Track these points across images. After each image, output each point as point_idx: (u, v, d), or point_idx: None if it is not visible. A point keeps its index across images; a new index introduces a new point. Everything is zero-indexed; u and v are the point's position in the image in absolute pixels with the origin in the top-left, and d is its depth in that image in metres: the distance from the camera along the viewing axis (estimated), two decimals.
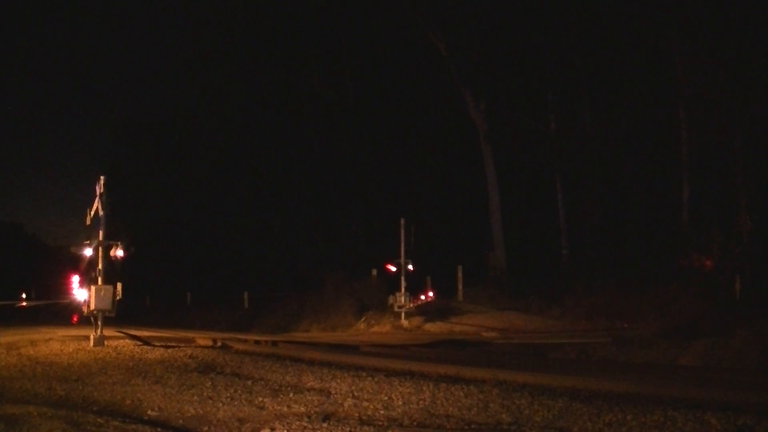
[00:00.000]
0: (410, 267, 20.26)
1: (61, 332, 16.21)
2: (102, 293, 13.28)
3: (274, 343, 15.20)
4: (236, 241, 38.68)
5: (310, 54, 33.36)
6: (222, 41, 38.34)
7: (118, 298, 13.43)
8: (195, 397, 7.63)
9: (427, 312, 20.66)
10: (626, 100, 24.52)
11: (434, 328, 18.94)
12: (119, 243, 13.80)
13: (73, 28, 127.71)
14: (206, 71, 40.24)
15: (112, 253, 13.70)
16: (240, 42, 36.47)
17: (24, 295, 59.08)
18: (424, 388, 7.82)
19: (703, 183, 21.99)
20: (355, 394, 7.66)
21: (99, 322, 13.28)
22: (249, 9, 36.52)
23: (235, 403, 7.34)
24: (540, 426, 6.03)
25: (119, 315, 13.96)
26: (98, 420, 6.31)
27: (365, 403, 7.12)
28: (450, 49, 26.82)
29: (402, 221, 20.34)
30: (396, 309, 19.73)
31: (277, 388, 8.22)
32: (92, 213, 13.69)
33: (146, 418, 6.72)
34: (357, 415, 6.65)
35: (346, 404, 7.13)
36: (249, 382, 8.61)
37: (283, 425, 6.18)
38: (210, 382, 8.62)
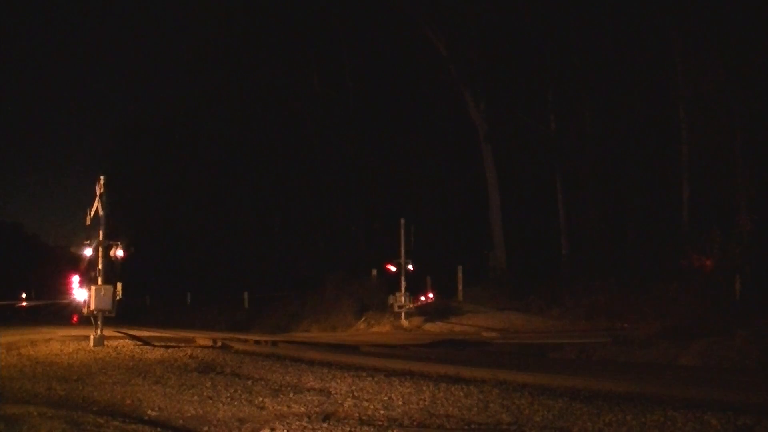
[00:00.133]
0: (410, 267, 20.26)
1: (61, 332, 16.21)
2: (102, 293, 13.28)
3: (274, 343, 15.20)
4: (236, 241, 38.69)
5: (310, 54, 33.37)
6: (222, 41, 38.37)
7: (118, 298, 13.43)
8: (195, 397, 7.63)
9: (427, 312, 20.67)
10: (626, 100, 24.50)
11: (434, 328, 18.94)
12: (119, 243, 13.80)
13: (74, 28, 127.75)
14: (206, 71, 40.27)
15: (112, 253, 13.71)
16: (240, 42, 36.50)
17: (24, 295, 59.08)
18: (424, 388, 7.82)
19: (703, 183, 21.97)
20: (355, 394, 7.66)
21: (99, 322, 13.28)
22: (249, 9, 36.53)
23: (235, 403, 7.34)
24: (540, 426, 6.03)
25: (119, 315, 13.96)
26: (98, 420, 6.31)
27: (365, 403, 7.12)
28: (450, 49, 26.83)
29: (402, 221, 20.34)
30: (396, 309, 19.74)
31: (277, 388, 8.22)
32: (92, 213, 13.70)
33: (146, 418, 6.72)
34: (357, 415, 6.65)
35: (346, 404, 7.13)
36: (249, 382, 8.61)
37: (283, 425, 6.18)
38: (210, 382, 8.62)
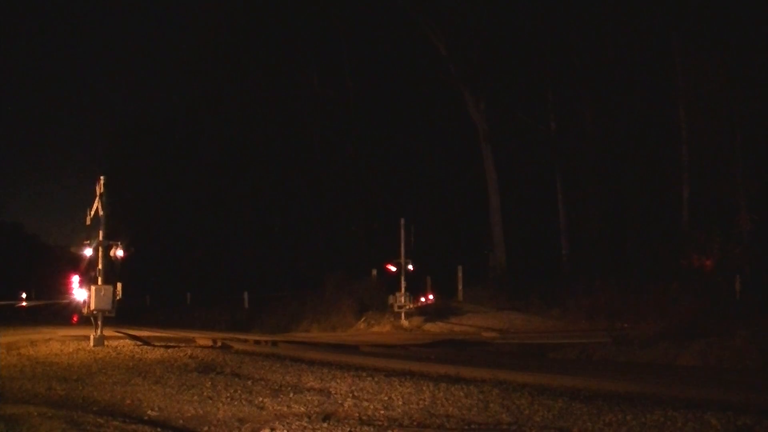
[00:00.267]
0: (410, 267, 20.26)
1: (61, 332, 16.20)
2: (102, 293, 13.28)
3: (274, 343, 15.20)
4: (236, 241, 38.68)
5: (310, 54, 33.37)
6: (222, 41, 38.35)
7: (118, 298, 13.43)
8: (195, 397, 7.63)
9: (427, 312, 20.67)
10: (626, 100, 24.51)
11: (434, 328, 18.94)
12: (119, 243, 13.80)
13: (73, 28, 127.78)
14: (206, 71, 40.25)
15: (112, 253, 13.71)
16: (240, 42, 36.48)
17: (24, 295, 59.06)
18: (424, 388, 7.82)
19: (703, 183, 21.98)
20: (355, 394, 7.66)
21: (99, 322, 13.28)
22: (249, 9, 36.53)
23: (235, 403, 7.34)
24: (540, 426, 6.03)
25: (119, 315, 13.95)
26: (98, 420, 6.31)
27: (365, 403, 7.11)
28: (450, 49, 26.82)
29: (402, 221, 20.34)
30: (396, 309, 19.74)
31: (277, 388, 8.22)
32: (92, 213, 13.69)
33: (146, 418, 6.72)
34: (357, 415, 6.65)
35: (346, 404, 7.13)
36: (249, 382, 8.61)
37: (283, 425, 6.18)
38: (210, 382, 8.62)
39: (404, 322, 19.54)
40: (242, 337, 17.09)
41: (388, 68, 30.71)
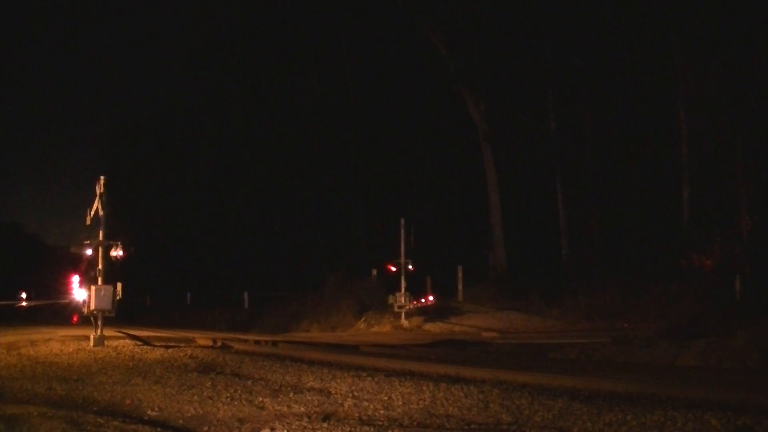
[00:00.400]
0: (410, 267, 20.25)
1: (61, 332, 16.20)
2: (102, 293, 13.28)
3: (274, 343, 15.20)
4: (236, 241, 38.68)
5: (310, 54, 33.36)
6: (222, 41, 38.36)
7: (118, 298, 13.43)
8: (195, 397, 7.63)
9: (427, 312, 20.67)
10: (626, 101, 24.52)
11: (434, 328, 18.94)
12: (119, 243, 13.80)
13: (74, 28, 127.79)
14: (206, 71, 40.25)
15: (111, 253, 13.71)
16: (240, 42, 36.48)
17: (24, 295, 59.05)
18: (424, 388, 7.82)
19: (703, 183, 21.98)
20: (355, 394, 7.66)
21: (99, 322, 13.28)
22: (249, 9, 36.53)
23: (235, 403, 7.34)
24: (540, 426, 6.03)
25: (119, 315, 13.96)
26: (98, 420, 6.31)
27: (365, 403, 7.11)
28: (450, 49, 26.82)
29: (402, 221, 20.34)
30: (396, 309, 19.73)
31: (277, 388, 8.22)
32: (92, 213, 13.70)
33: (146, 418, 6.72)
34: (357, 415, 6.65)
35: (346, 404, 7.13)
36: (249, 382, 8.61)
37: (283, 425, 6.18)
38: (210, 382, 8.62)
39: (404, 322, 19.54)
40: (242, 337, 17.09)
41: (388, 68, 30.71)
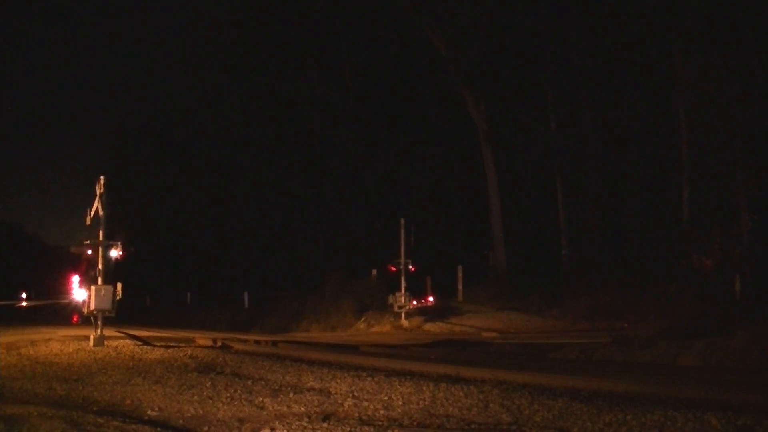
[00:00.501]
0: (411, 267, 20.25)
1: (61, 332, 16.21)
2: (102, 293, 13.29)
3: (274, 343, 15.20)
4: (236, 241, 38.68)
5: (310, 54, 33.37)
6: (222, 41, 38.35)
7: (118, 298, 13.43)
8: (195, 397, 7.63)
9: (427, 312, 20.67)
10: (626, 100, 24.52)
11: (434, 328, 18.94)
12: (119, 243, 13.81)
13: (74, 28, 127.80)
14: (206, 71, 40.25)
15: (111, 253, 13.71)
16: (240, 42, 36.49)
17: (24, 295, 59.03)
18: (424, 388, 7.82)
19: (703, 183, 21.98)
20: (355, 394, 7.66)
21: (99, 322, 13.28)
22: (249, 9, 36.54)
23: (235, 403, 7.34)
24: (540, 426, 6.03)
25: (119, 315, 13.96)
26: (98, 420, 6.31)
27: (365, 403, 7.11)
28: (450, 49, 26.82)
29: (402, 221, 20.34)
30: (396, 309, 19.73)
31: (277, 388, 8.22)
32: (92, 213, 13.70)
33: (146, 418, 6.72)
34: (357, 415, 6.65)
35: (346, 404, 7.13)
36: (249, 382, 8.61)
37: (283, 425, 6.18)
38: (210, 382, 8.62)
39: (404, 322, 19.54)
40: (242, 337, 17.10)
41: (388, 68, 30.71)
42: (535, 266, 25.60)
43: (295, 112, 34.66)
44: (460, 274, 23.48)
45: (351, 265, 27.27)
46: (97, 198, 13.64)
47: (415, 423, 6.32)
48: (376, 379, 8.55)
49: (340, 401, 7.29)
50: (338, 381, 8.49)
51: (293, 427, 6.12)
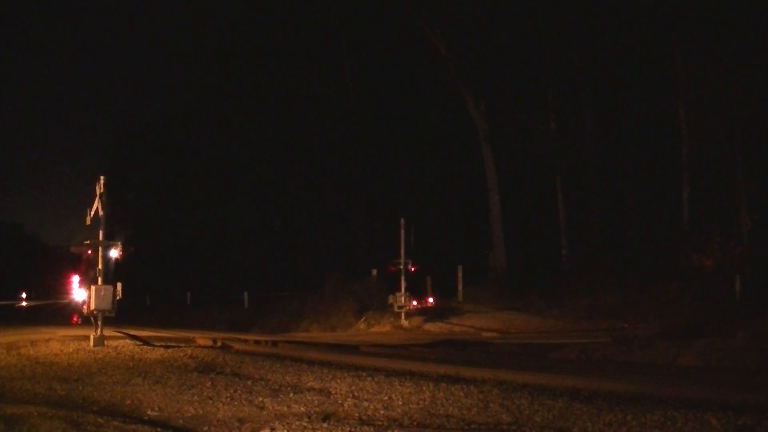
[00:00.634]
0: (411, 268, 20.24)
1: (61, 332, 16.21)
2: (102, 293, 13.29)
3: (274, 343, 15.20)
4: (236, 241, 38.69)
5: (310, 54, 33.37)
6: (222, 42, 38.36)
7: (118, 298, 13.43)
8: (195, 397, 7.63)
9: (427, 312, 20.67)
10: (626, 100, 24.51)
11: (434, 328, 18.94)
12: (119, 243, 13.81)
13: (74, 28, 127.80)
14: (206, 72, 40.27)
15: (111, 253, 13.71)
16: (240, 42, 36.49)
17: (24, 295, 59.06)
18: (424, 388, 7.82)
19: (703, 183, 21.98)
20: (355, 394, 7.66)
21: (99, 322, 13.28)
22: (249, 9, 36.54)
23: (235, 403, 7.34)
24: (540, 426, 6.03)
25: (119, 315, 13.96)
26: (98, 420, 6.31)
27: (365, 403, 7.11)
28: (450, 49, 26.82)
29: (402, 221, 20.33)
30: (396, 309, 19.72)
31: (277, 388, 8.22)
32: (92, 213, 13.70)
33: (146, 418, 6.72)
34: (357, 415, 6.65)
35: (346, 404, 7.13)
36: (249, 382, 8.61)
37: (283, 425, 6.18)
38: (210, 382, 8.62)
39: (404, 322, 19.54)
40: (242, 337, 17.10)
41: (388, 68, 30.70)
42: (535, 266, 25.59)
43: (295, 112, 34.66)
44: (460, 274, 23.47)
45: (351, 265, 27.27)
46: (97, 198, 13.64)
47: (415, 423, 6.32)
48: (376, 379, 8.55)
49: (340, 401, 7.29)
50: (338, 381, 8.49)
51: (293, 427, 6.12)
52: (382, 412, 6.76)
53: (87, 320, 14.25)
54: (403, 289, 19.70)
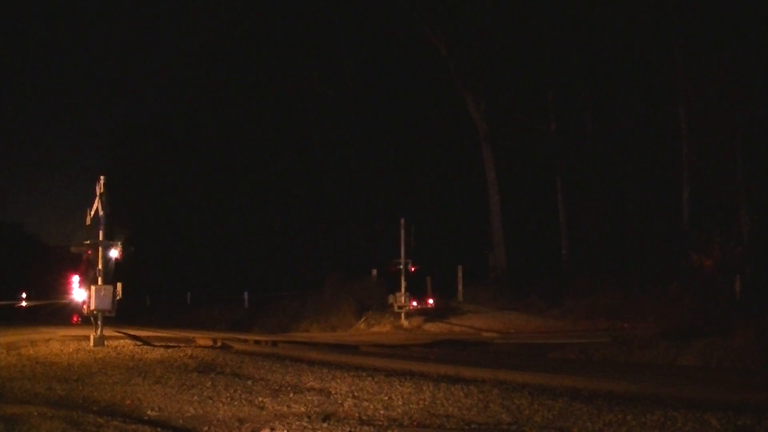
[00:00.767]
0: (411, 268, 20.23)
1: (61, 332, 16.21)
2: (102, 293, 13.28)
3: (274, 343, 15.21)
4: (236, 241, 38.69)
5: (310, 54, 33.37)
6: (222, 41, 38.38)
7: (118, 298, 13.43)
8: (195, 397, 7.63)
9: (427, 312, 20.66)
10: (626, 100, 24.51)
11: (434, 328, 18.94)
12: (118, 243, 13.81)
13: (74, 28, 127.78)
14: (206, 71, 40.28)
15: (111, 253, 13.71)
16: (240, 42, 36.51)
17: (24, 295, 59.04)
18: (424, 388, 7.82)
19: (703, 183, 21.98)
20: (355, 394, 7.66)
21: (99, 322, 13.28)
22: (249, 9, 36.56)
23: (235, 403, 7.34)
24: (540, 426, 6.03)
25: (119, 315, 13.95)
26: (98, 420, 6.30)
27: (365, 403, 7.11)
28: (450, 49, 26.82)
29: (402, 221, 20.33)
30: (396, 309, 19.72)
31: (277, 388, 8.22)
32: (92, 213, 13.70)
33: (146, 418, 6.72)
34: (357, 415, 6.65)
35: (346, 404, 7.13)
36: (249, 382, 8.61)
37: (283, 425, 6.18)
38: (210, 382, 8.62)
39: (404, 322, 19.54)
40: (242, 337, 17.10)
41: (388, 68, 30.71)
42: (535, 266, 25.59)
43: (295, 112, 34.67)
44: (460, 274, 23.47)
45: (351, 265, 27.26)
46: (97, 198, 13.63)
47: (415, 423, 6.32)
48: (376, 379, 8.55)
49: (340, 401, 7.29)
50: (338, 381, 8.49)
51: (293, 427, 6.12)
52: (382, 412, 6.76)
53: (87, 320, 14.25)
54: (403, 289, 19.69)
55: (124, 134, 48.80)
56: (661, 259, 21.12)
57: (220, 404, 7.25)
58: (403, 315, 19.63)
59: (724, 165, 21.63)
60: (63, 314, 32.85)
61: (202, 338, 15.90)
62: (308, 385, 8.39)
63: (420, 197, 30.65)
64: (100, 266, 13.48)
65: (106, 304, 13.29)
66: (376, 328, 20.10)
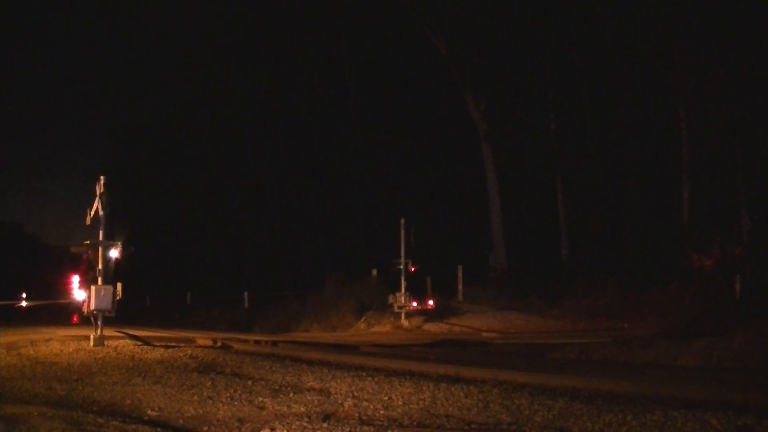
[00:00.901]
0: (411, 268, 20.23)
1: (61, 332, 16.20)
2: (102, 293, 13.28)
3: (274, 343, 15.21)
4: (236, 241, 38.69)
5: (310, 54, 33.38)
6: (222, 41, 38.38)
7: (118, 298, 13.43)
8: (195, 397, 7.63)
9: (427, 312, 20.67)
10: (626, 100, 24.51)
11: (434, 328, 18.95)
12: (118, 243, 13.81)
13: (73, 28, 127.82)
14: (206, 71, 40.28)
15: (111, 253, 13.71)
16: (240, 42, 36.51)
17: (24, 295, 59.07)
18: (424, 388, 7.82)
19: (703, 183, 21.97)
20: (355, 394, 7.66)
21: (99, 322, 13.28)
22: (249, 9, 36.55)
23: (235, 403, 7.33)
24: (540, 426, 6.03)
25: (119, 315, 13.95)
26: (98, 420, 6.30)
27: (365, 403, 7.11)
28: (450, 49, 26.82)
29: (402, 221, 20.33)
30: (396, 309, 19.73)
31: (277, 388, 8.22)
32: (92, 213, 13.70)
33: (146, 418, 6.72)
34: (357, 415, 6.65)
35: (346, 404, 7.13)
36: (249, 382, 8.61)
37: (283, 425, 6.18)
38: (210, 382, 8.62)
39: (404, 322, 19.54)
40: (242, 337, 17.10)
41: (388, 68, 30.72)
42: (535, 266, 25.59)
43: (295, 112, 34.67)
44: (460, 274, 23.48)
45: (351, 265, 27.27)
46: (97, 198, 13.63)
47: (415, 423, 6.32)
48: (376, 379, 8.54)
49: (340, 401, 7.29)
50: (338, 381, 8.49)
51: (293, 427, 6.12)
52: (382, 412, 6.76)
53: (87, 320, 14.24)
54: (403, 289, 19.69)
55: (124, 134, 48.86)
56: (661, 259, 21.11)
57: (220, 404, 7.25)
58: (403, 315, 19.64)
59: (724, 165, 21.62)
60: (63, 314, 32.85)
61: (202, 338, 15.90)
62: (308, 385, 8.39)
63: (420, 197, 30.65)
64: (100, 266, 13.48)
65: (106, 304, 13.28)
66: (376, 328, 20.11)
